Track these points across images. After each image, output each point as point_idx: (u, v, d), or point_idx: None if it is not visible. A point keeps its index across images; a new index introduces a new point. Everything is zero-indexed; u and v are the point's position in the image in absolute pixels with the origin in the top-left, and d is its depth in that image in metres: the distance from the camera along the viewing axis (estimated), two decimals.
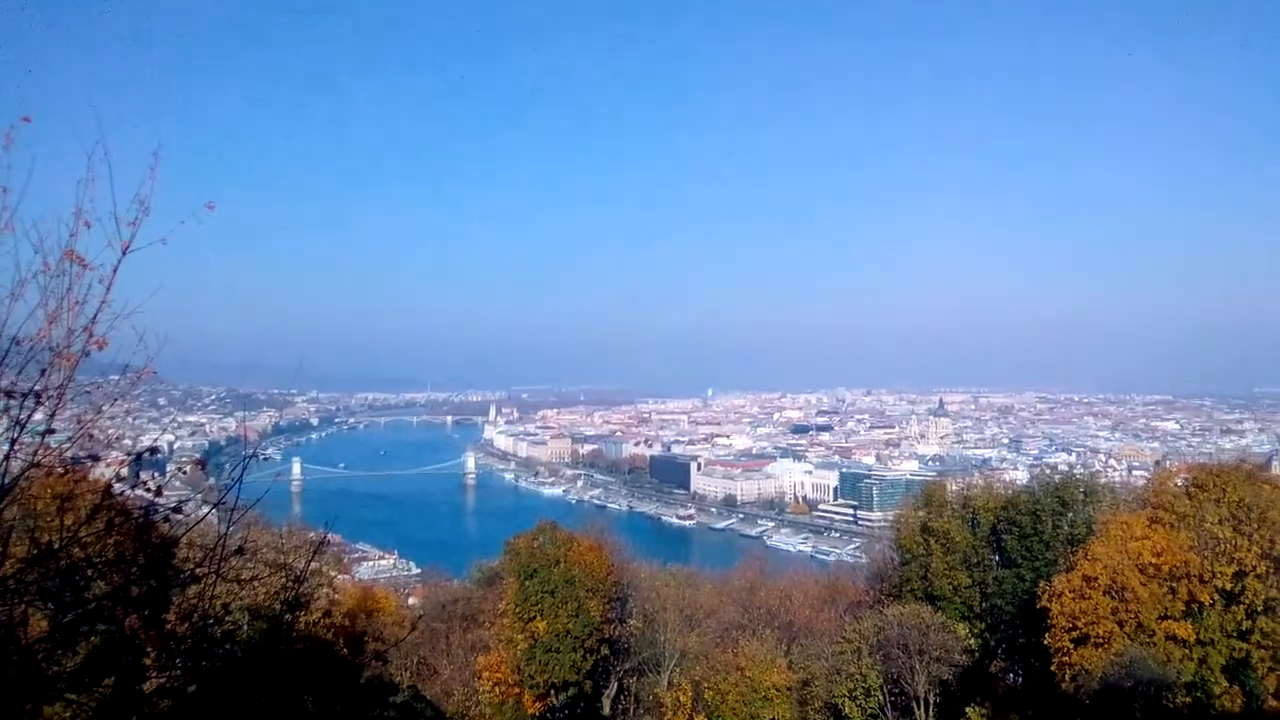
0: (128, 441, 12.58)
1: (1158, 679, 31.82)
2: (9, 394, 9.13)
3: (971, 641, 42.68)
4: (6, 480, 9.00)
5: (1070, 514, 44.89)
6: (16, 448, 9.10)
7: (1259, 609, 35.19)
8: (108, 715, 9.97)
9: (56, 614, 9.64)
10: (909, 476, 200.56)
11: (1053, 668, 36.37)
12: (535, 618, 43.90)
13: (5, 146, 8.71)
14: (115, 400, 10.31)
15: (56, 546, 9.37)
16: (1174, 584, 35.20)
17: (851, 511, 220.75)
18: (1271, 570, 35.29)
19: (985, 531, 46.41)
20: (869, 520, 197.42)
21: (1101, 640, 34.48)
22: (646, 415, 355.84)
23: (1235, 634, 35.13)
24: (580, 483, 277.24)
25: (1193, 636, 34.49)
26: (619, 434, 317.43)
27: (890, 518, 76.63)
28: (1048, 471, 64.30)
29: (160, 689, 10.17)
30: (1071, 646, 35.23)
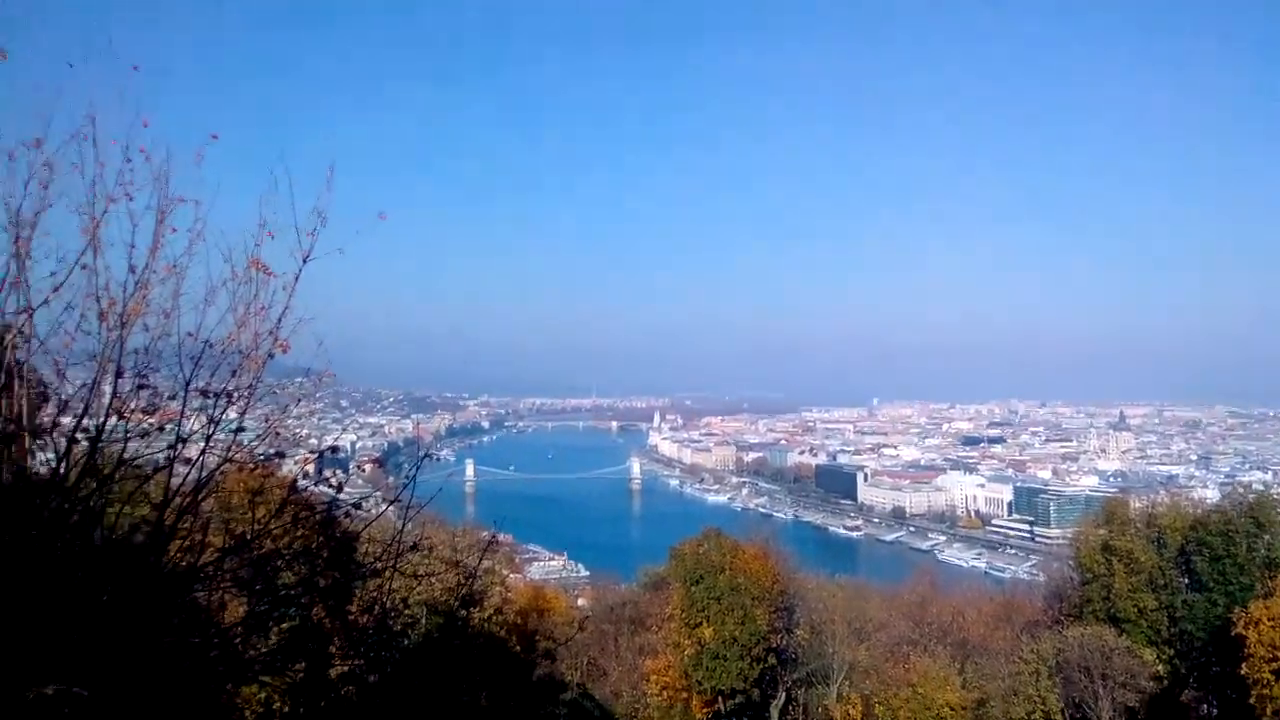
0: (313, 440, 13.16)
1: None
2: (204, 393, 9.58)
3: (1159, 668, 40.56)
4: (204, 474, 9.48)
5: (1267, 536, 42.19)
6: (212, 444, 9.58)
7: None
8: (297, 697, 10.37)
9: (251, 601, 10.09)
10: (1089, 492, 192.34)
11: (1251, 700, 34.14)
12: (701, 624, 43.90)
13: (196, 163, 9.23)
14: (299, 401, 10.78)
15: (249, 538, 9.83)
16: None
17: (1028, 527, 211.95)
18: None
19: (1173, 552, 44.05)
20: (1046, 537, 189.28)
21: None
22: (810, 424, 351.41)
23: None
24: (745, 490, 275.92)
25: None
26: (783, 442, 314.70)
27: (1069, 535, 73.57)
28: (1241, 490, 60.63)
29: (344, 675, 10.53)
30: (1273, 679, 32.99)
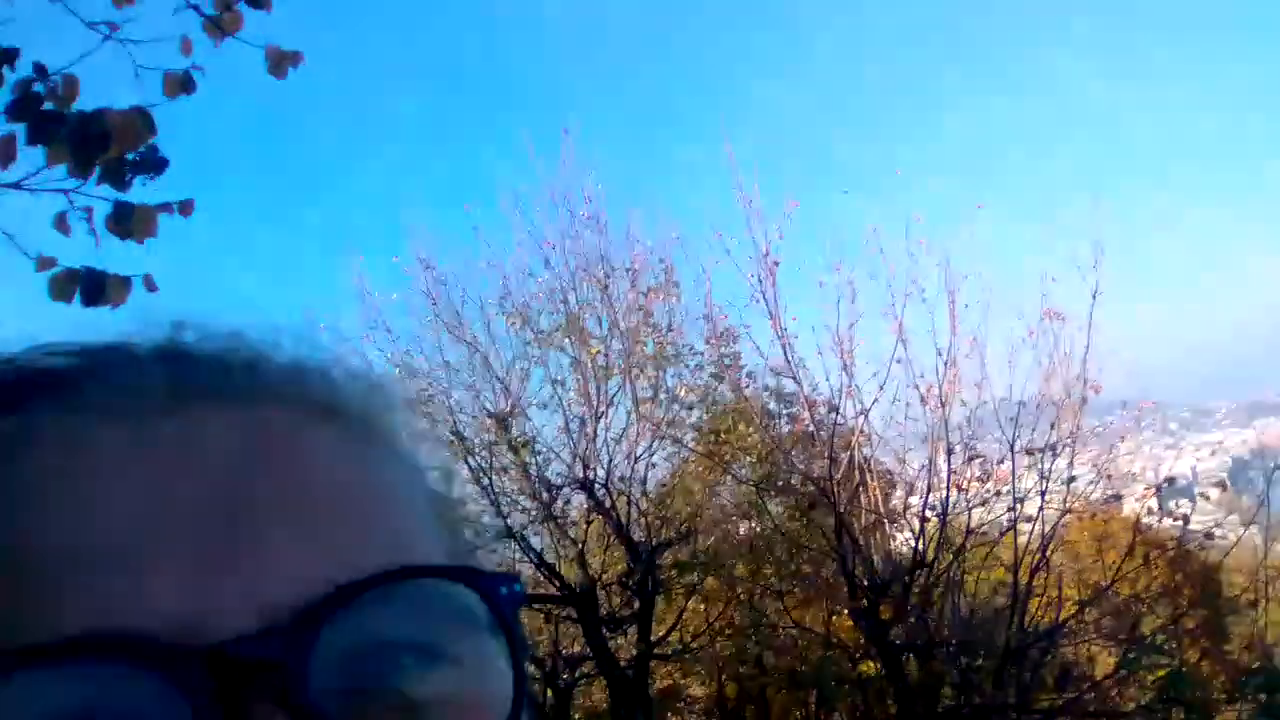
0: (1149, 474, 12.87)
1: None
2: (1029, 451, 9.98)
3: None
4: (1046, 529, 9.83)
5: None
6: (1048, 498, 9.92)
7: None
8: None
9: (1117, 650, 10.07)
10: None
11: None
12: None
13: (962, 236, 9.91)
14: (1123, 437, 10.69)
15: (1104, 585, 9.89)
16: None
17: None
18: None
19: None
20: None
21: None
22: None
23: None
24: None
25: None
26: None
27: None
28: None
29: None
30: None
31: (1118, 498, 10.15)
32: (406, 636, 0.45)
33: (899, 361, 9.80)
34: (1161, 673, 9.19)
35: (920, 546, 9.56)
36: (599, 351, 10.68)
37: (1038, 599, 9.77)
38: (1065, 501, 9.98)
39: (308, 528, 0.45)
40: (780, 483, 10.77)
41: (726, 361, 10.95)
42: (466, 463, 9.97)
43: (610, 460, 10.56)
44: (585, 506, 10.84)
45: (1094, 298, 9.62)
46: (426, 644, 0.45)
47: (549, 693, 10.72)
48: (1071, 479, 9.73)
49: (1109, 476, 10.18)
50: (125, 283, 3.47)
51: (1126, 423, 10.65)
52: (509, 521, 10.21)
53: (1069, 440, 9.93)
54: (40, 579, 0.43)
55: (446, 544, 0.53)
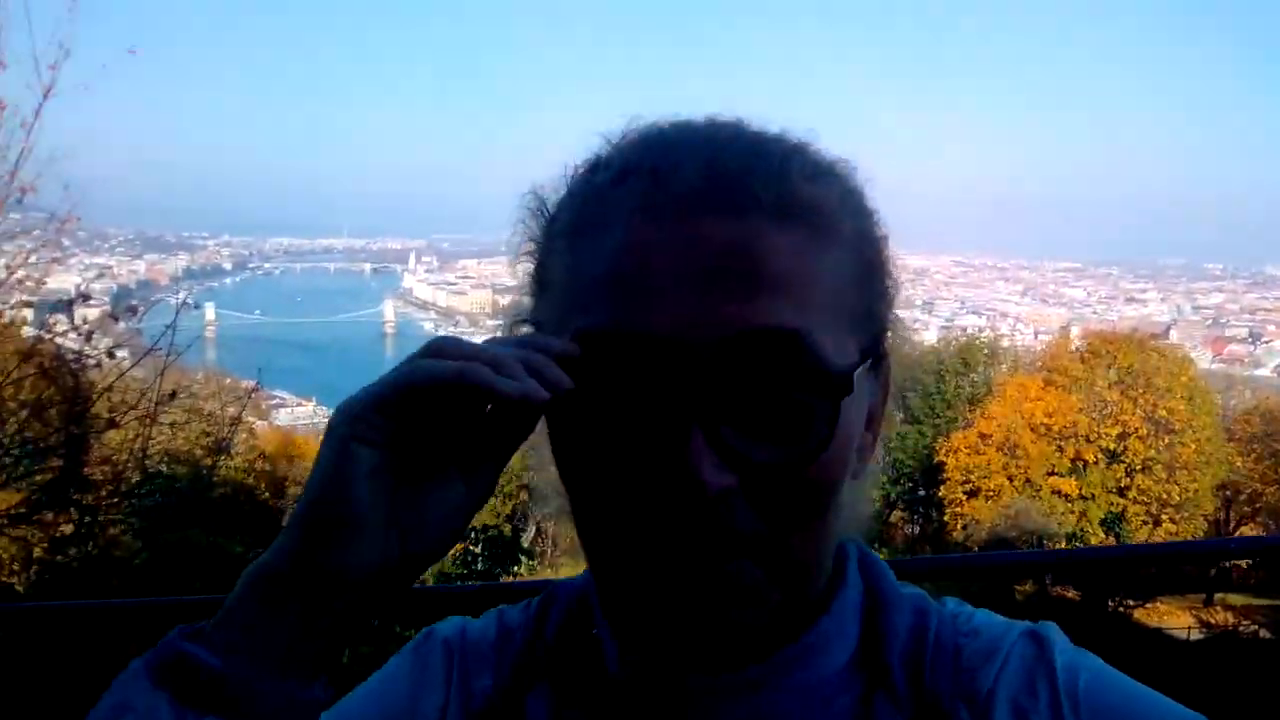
0: (51, 284, 12.67)
1: (1041, 529, 34.06)
2: None
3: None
4: None
5: (972, 375, 46.58)
6: None
7: (1137, 467, 37.51)
8: (61, 549, 10.43)
9: None
10: None
11: (946, 518, 38.59)
12: None
13: None
14: (41, 247, 10.43)
15: None
16: (1062, 443, 37.33)
17: None
18: (1152, 432, 37.50)
19: (891, 390, 47.98)
20: None
21: (992, 494, 36.67)
22: None
23: (1115, 490, 37.55)
24: (499, 333, 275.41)
25: (1076, 491, 36.80)
26: None
27: None
28: (956, 333, 66.21)
29: (108, 523, 10.61)
30: (964, 499, 37.39)
31: (30, 305, 9.96)
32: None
33: None
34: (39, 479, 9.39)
35: None
36: None
37: None
38: None
39: (765, 300, 0.66)
40: None
41: None
42: None
43: None
44: None
45: (45, 98, 9.31)
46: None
47: None
48: None
49: (20, 283, 9.91)
50: None
51: (50, 233, 10.46)
52: None
53: None
54: (586, 293, 0.70)
55: (862, 338, 0.75)
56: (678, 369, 0.64)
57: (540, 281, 0.81)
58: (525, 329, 0.83)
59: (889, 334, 0.83)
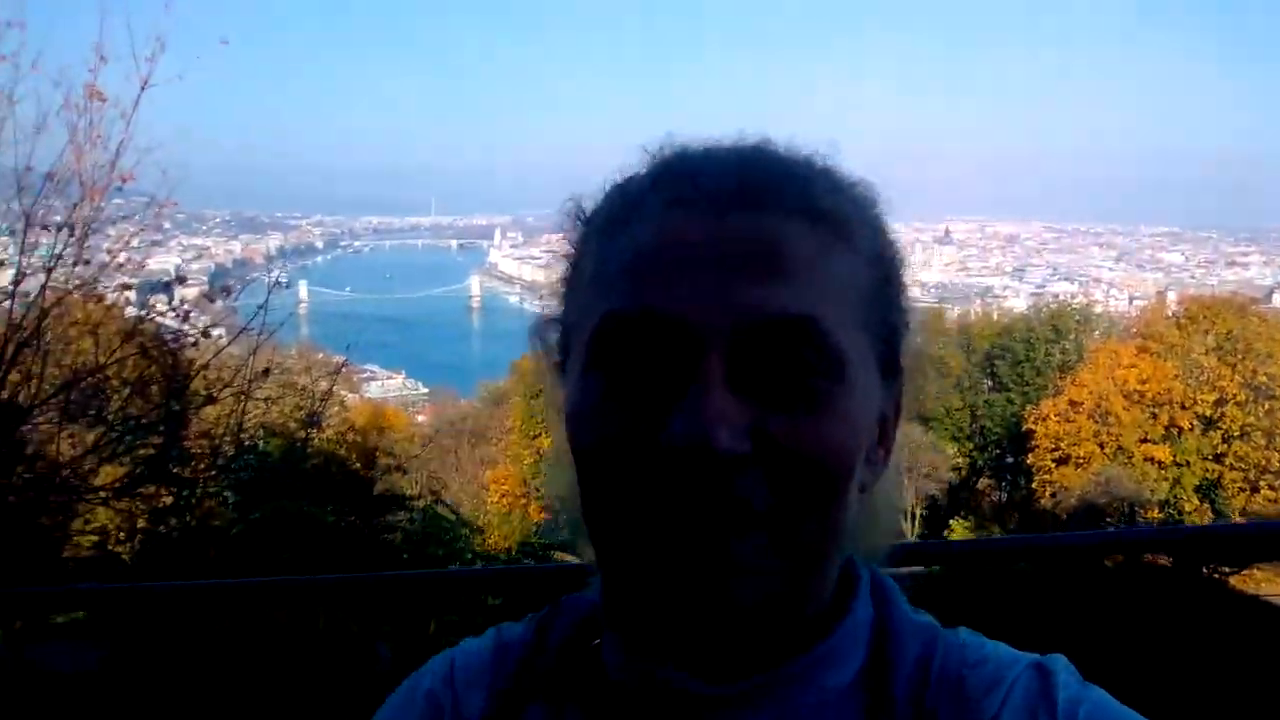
0: (152, 265, 13.12)
1: (1132, 495, 33.37)
2: (44, 227, 9.62)
3: (960, 460, 44.13)
4: (44, 307, 9.58)
5: (1063, 342, 45.66)
6: (54, 277, 9.68)
7: (1235, 434, 36.48)
8: (156, 522, 10.83)
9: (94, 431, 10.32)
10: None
11: (1034, 485, 38.02)
12: (540, 434, 45.32)
13: None
14: (141, 230, 10.80)
15: (89, 369, 10.00)
16: (1156, 410, 36.46)
17: None
18: (1251, 399, 36.43)
19: (979, 357, 47.25)
20: None
21: (1082, 461, 35.99)
22: None
23: (1210, 457, 36.58)
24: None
25: (1169, 459, 35.93)
26: None
27: None
28: (1047, 300, 65.01)
29: (204, 495, 10.96)
30: (1053, 466, 36.79)
31: (128, 288, 10.30)
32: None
33: None
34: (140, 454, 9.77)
35: None
36: None
37: (19, 374, 9.58)
38: (69, 283, 9.85)
39: (783, 287, 0.70)
40: None
41: None
42: None
43: None
44: None
45: (143, 88, 9.63)
46: None
47: None
48: (87, 262, 9.67)
49: (87, 262, 10.13)
50: None
51: (149, 218, 10.82)
52: None
53: (85, 223, 9.80)
54: (615, 279, 0.75)
55: (872, 340, 0.78)
56: (697, 347, 0.69)
57: (571, 281, 0.87)
58: (552, 331, 0.90)
59: (904, 354, 0.85)
